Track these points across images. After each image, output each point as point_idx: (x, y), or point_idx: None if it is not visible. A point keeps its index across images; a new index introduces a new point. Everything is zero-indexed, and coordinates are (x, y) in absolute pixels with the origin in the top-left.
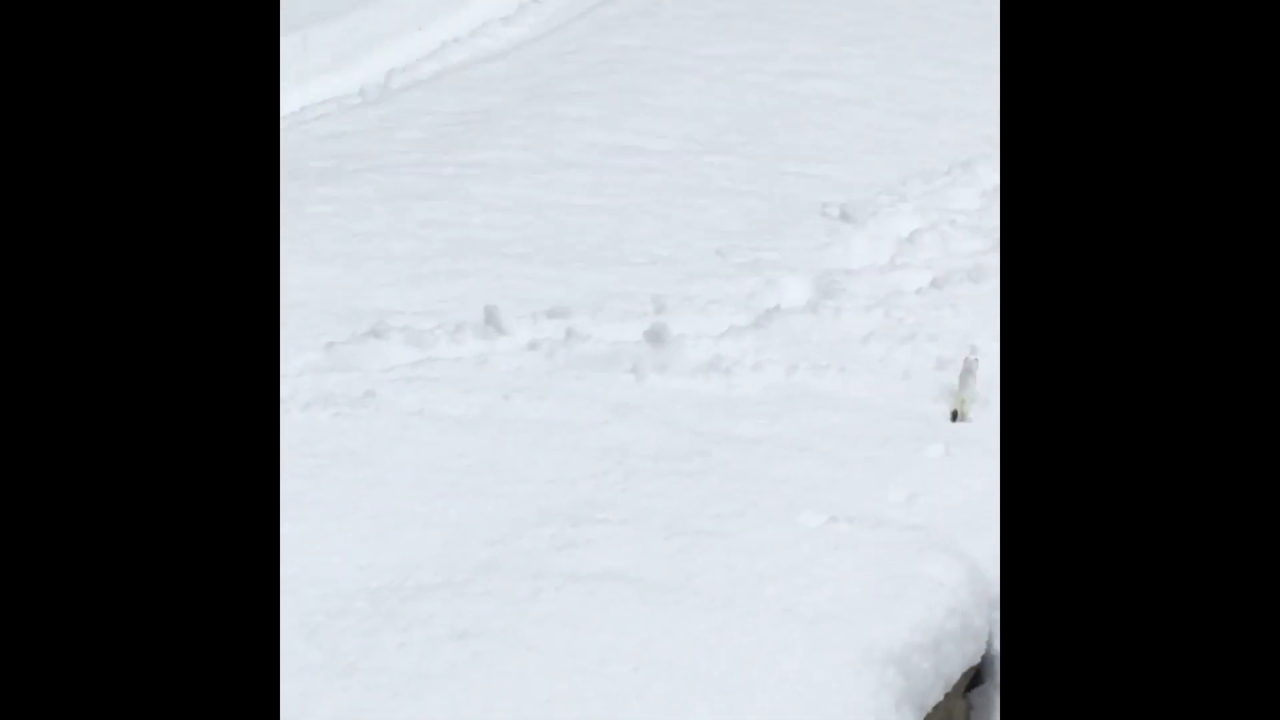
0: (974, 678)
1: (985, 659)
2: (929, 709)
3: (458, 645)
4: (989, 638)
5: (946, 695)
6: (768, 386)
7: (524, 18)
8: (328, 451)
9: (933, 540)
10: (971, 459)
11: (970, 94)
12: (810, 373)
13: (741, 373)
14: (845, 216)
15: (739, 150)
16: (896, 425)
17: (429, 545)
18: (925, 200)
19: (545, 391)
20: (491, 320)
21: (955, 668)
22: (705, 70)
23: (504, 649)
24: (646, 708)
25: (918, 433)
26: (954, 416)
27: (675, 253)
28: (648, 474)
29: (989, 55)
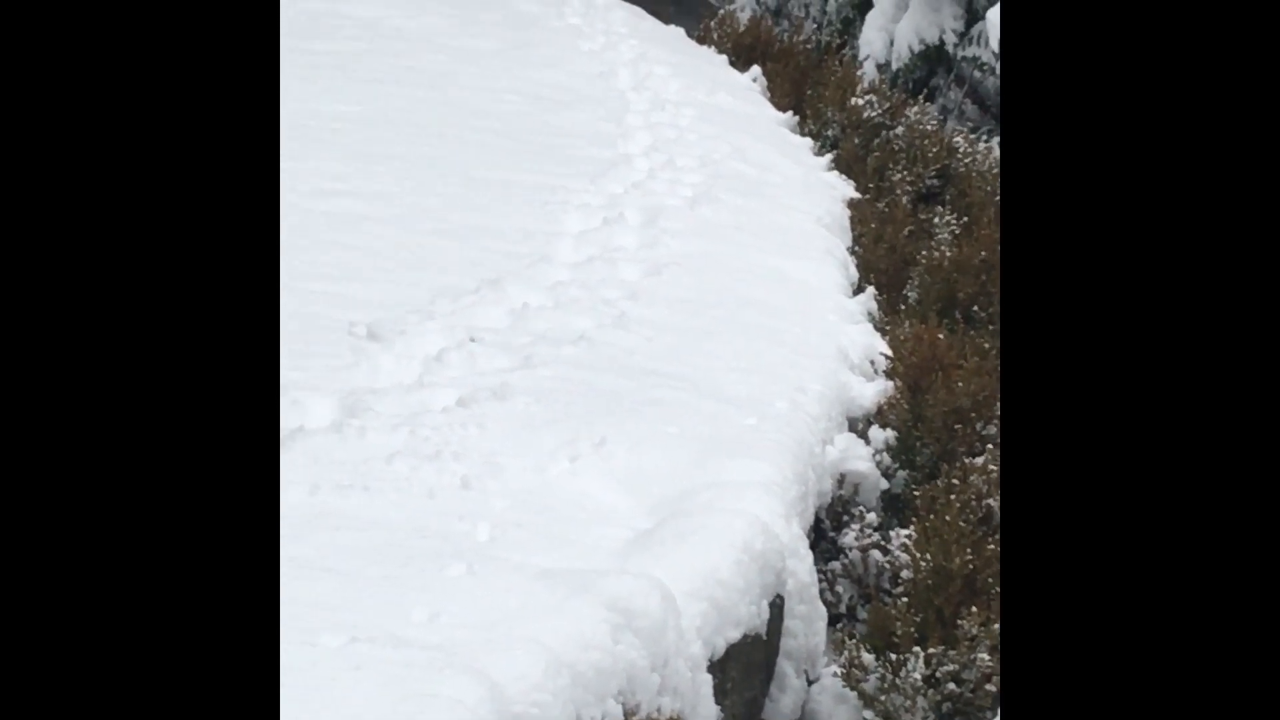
0: None
1: None
2: None
3: None
4: None
5: None
6: (290, 507)
7: None
8: None
9: (452, 660)
10: (493, 577)
11: (497, 212)
12: (333, 492)
13: None
14: (372, 335)
15: None
16: (420, 544)
17: None
18: (453, 319)
19: None
20: None
21: None
22: None
23: None
24: None
25: (440, 551)
26: None
27: None
28: None
29: (512, 173)
